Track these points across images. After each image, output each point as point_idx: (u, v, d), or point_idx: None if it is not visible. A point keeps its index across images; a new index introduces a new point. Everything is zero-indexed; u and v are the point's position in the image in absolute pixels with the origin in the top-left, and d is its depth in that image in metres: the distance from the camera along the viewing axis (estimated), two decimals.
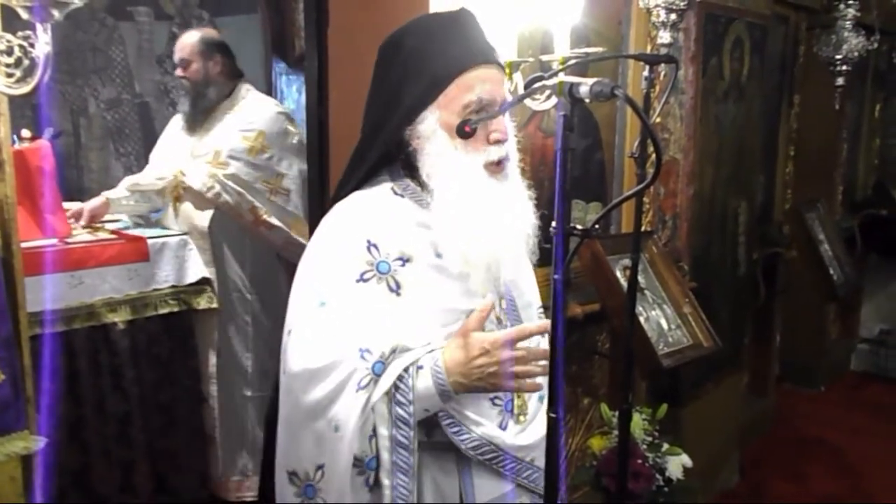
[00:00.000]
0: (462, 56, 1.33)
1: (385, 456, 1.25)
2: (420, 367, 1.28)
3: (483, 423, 1.35)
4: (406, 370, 1.27)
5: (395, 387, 1.26)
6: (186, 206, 3.00)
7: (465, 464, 1.37)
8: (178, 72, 3.07)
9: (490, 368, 1.26)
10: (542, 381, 1.44)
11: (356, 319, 1.28)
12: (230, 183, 2.96)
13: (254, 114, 3.09)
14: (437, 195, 1.34)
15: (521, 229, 1.36)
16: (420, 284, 1.33)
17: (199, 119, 3.10)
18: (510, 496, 1.42)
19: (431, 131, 1.33)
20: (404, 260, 1.33)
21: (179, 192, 3.01)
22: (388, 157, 1.41)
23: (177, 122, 3.23)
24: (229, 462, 3.14)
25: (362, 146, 1.43)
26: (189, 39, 3.06)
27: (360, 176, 1.41)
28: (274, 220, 3.06)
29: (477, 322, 1.29)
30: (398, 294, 1.32)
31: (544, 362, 1.29)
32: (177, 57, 3.07)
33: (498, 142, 1.34)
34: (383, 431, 1.25)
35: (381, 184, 1.41)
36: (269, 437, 1.48)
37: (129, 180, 3.09)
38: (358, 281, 1.30)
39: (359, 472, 1.26)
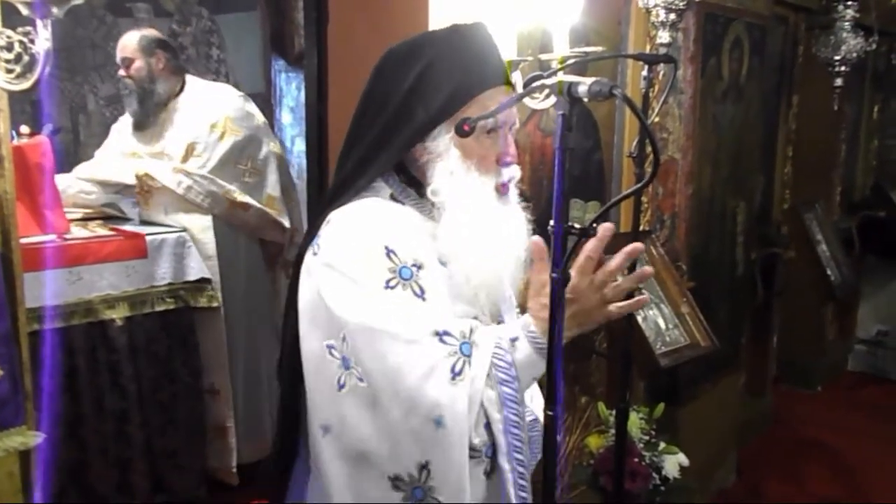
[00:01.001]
0: (483, 75, 1.31)
1: (501, 439, 1.21)
2: (515, 339, 1.24)
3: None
4: (498, 346, 1.23)
5: (495, 366, 1.22)
6: (184, 204, 3.02)
7: None
8: (121, 72, 3.07)
9: (582, 310, 1.24)
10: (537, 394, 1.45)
11: (402, 313, 1.22)
12: (201, 174, 2.99)
13: (216, 101, 3.12)
14: (447, 213, 1.30)
15: (519, 248, 1.34)
16: (436, 290, 1.29)
17: (151, 117, 3.09)
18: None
19: (445, 149, 1.30)
20: (418, 266, 1.28)
21: (145, 191, 3.03)
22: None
23: (124, 124, 3.22)
24: (243, 449, 3.21)
25: (364, 154, 1.35)
26: (129, 39, 3.07)
27: (362, 185, 1.34)
28: (249, 200, 3.09)
29: (539, 278, 1.25)
30: (423, 299, 1.25)
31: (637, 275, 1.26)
32: (118, 57, 3.08)
33: (508, 164, 1.33)
34: (496, 415, 1.21)
35: (380, 190, 1.36)
36: (285, 434, 1.46)
37: (83, 171, 3.12)
38: (385, 288, 1.24)
39: (477, 463, 1.22)
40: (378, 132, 1.34)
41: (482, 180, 1.31)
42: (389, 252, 1.25)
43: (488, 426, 1.21)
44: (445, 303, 1.29)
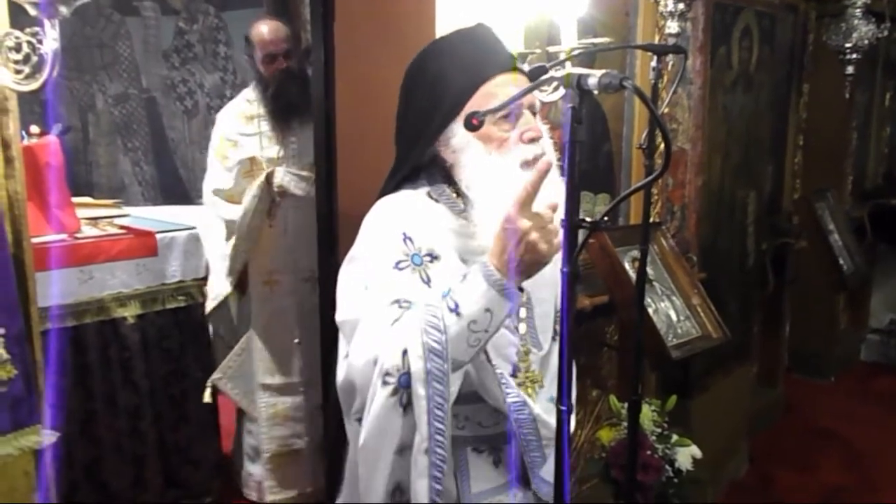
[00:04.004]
0: (480, 68, 1.36)
1: (419, 364, 1.20)
2: (465, 276, 1.26)
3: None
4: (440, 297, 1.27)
5: (426, 304, 1.26)
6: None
7: (462, 453, 1.41)
8: (281, 61, 2.86)
9: (525, 241, 1.19)
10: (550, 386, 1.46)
11: (395, 294, 1.31)
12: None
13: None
14: (478, 202, 1.35)
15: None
16: (443, 282, 1.33)
17: (287, 118, 2.92)
18: (507, 489, 1.44)
19: (465, 143, 1.36)
20: (433, 257, 1.37)
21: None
22: (423, 166, 1.45)
23: (242, 118, 2.96)
24: None
25: (398, 163, 1.49)
26: (284, 31, 2.89)
27: (394, 184, 1.47)
28: None
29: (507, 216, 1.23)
30: (429, 286, 1.34)
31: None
32: (276, 48, 2.86)
33: (532, 140, 1.34)
34: (415, 340, 1.22)
35: (420, 187, 1.46)
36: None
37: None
38: (394, 268, 1.34)
39: (392, 393, 1.22)
40: (409, 134, 1.46)
41: (506, 161, 1.34)
42: (406, 238, 1.36)
43: (405, 354, 1.22)
44: None
